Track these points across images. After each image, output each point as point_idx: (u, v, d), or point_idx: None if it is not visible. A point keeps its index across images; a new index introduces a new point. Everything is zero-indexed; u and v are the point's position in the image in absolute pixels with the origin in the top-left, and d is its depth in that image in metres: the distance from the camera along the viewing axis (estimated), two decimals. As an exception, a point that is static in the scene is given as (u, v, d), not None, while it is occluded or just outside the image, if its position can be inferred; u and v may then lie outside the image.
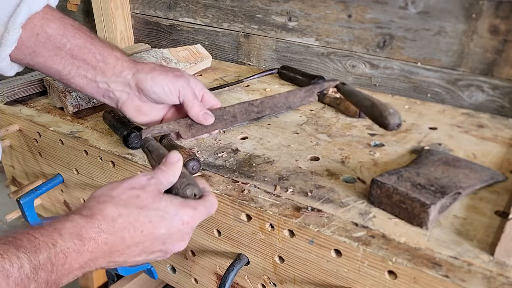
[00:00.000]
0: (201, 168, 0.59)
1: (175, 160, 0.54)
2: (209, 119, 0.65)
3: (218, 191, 0.64)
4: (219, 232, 0.68)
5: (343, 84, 0.75)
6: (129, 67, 0.65)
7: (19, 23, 0.61)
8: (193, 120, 0.63)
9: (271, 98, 0.67)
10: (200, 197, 0.54)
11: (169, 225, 0.51)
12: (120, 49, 0.68)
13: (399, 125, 0.64)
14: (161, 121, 0.68)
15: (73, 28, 0.65)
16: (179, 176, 0.53)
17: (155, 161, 0.56)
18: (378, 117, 0.65)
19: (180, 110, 0.69)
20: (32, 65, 0.65)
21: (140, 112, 0.67)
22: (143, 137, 0.60)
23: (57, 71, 0.65)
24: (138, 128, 0.75)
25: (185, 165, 0.65)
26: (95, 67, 0.65)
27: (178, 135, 0.63)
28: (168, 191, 0.53)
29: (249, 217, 0.62)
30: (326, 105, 0.90)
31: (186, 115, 0.67)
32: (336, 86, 0.76)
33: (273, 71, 1.08)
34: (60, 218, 0.47)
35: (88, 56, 0.64)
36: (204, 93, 0.68)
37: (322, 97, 0.91)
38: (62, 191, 0.94)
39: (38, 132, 0.89)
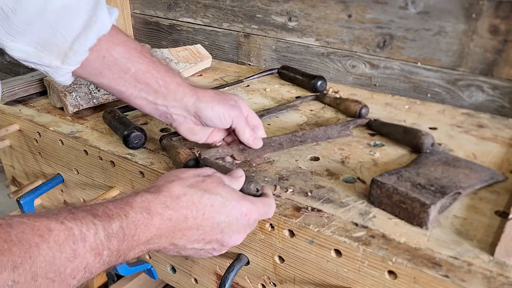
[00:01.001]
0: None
1: (239, 175, 0.58)
2: (259, 144, 0.70)
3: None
4: (219, 232, 0.68)
5: (375, 120, 0.80)
6: (190, 93, 0.67)
7: (88, 46, 0.61)
8: (244, 145, 0.69)
9: (312, 131, 0.75)
10: (260, 195, 0.58)
11: (228, 212, 0.53)
12: (180, 74, 0.70)
13: (433, 145, 0.70)
14: (207, 139, 0.72)
15: (137, 52, 0.66)
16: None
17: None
18: (412, 140, 0.71)
19: (226, 131, 0.72)
20: (95, 83, 0.67)
21: (193, 132, 0.70)
22: (202, 157, 0.64)
23: (119, 92, 0.66)
24: (138, 128, 0.75)
25: (185, 165, 0.66)
26: (157, 91, 0.66)
27: (233, 158, 0.68)
28: None
29: (249, 217, 0.62)
30: (326, 105, 0.90)
31: (230, 135, 0.72)
32: (367, 123, 0.80)
33: (273, 71, 1.08)
34: (130, 194, 0.50)
35: (151, 81, 0.66)
36: (248, 114, 0.71)
37: (322, 97, 0.91)
38: (62, 191, 0.94)
39: (38, 132, 0.89)
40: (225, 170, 0.60)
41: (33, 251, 0.38)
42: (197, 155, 0.67)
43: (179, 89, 0.67)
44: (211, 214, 0.52)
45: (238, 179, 0.58)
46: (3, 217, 0.39)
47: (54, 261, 0.39)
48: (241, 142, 0.70)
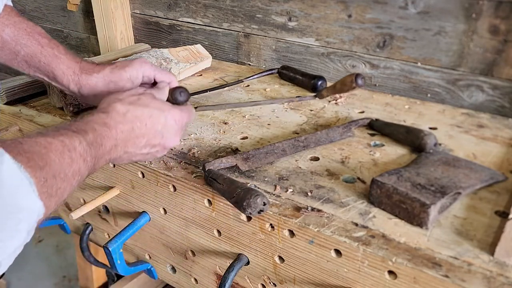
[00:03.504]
0: (189, 96, 0.73)
1: (163, 86, 0.71)
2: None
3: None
4: (219, 232, 0.68)
5: (376, 120, 0.80)
6: (73, 82, 0.73)
7: None
8: (249, 154, 0.70)
9: (314, 135, 0.75)
10: (185, 103, 0.71)
11: (165, 120, 0.65)
12: (67, 55, 0.74)
13: (435, 145, 0.69)
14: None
15: (26, 34, 0.70)
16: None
17: (222, 184, 0.60)
18: (415, 140, 0.71)
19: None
20: None
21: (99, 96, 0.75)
22: (206, 169, 0.65)
23: (18, 71, 0.73)
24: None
25: (173, 92, 0.72)
26: (48, 76, 0.73)
27: (237, 167, 0.68)
28: None
29: (249, 217, 0.62)
30: (327, 99, 0.90)
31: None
32: (369, 123, 0.80)
33: (273, 71, 1.08)
34: (83, 115, 0.59)
35: (40, 65, 0.71)
36: (155, 75, 0.76)
37: (320, 95, 0.91)
38: (62, 191, 0.94)
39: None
40: (231, 182, 0.60)
41: (46, 157, 0.47)
42: (201, 167, 0.68)
43: (64, 78, 0.72)
44: (151, 123, 0.63)
45: (164, 89, 0.71)
46: (4, 140, 0.47)
47: (61, 165, 0.49)
48: (245, 152, 0.70)
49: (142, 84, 0.76)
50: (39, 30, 0.74)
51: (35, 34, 0.72)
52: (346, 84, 0.81)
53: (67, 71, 0.72)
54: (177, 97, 0.71)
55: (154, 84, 0.76)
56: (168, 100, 0.71)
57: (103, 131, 0.58)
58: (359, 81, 0.79)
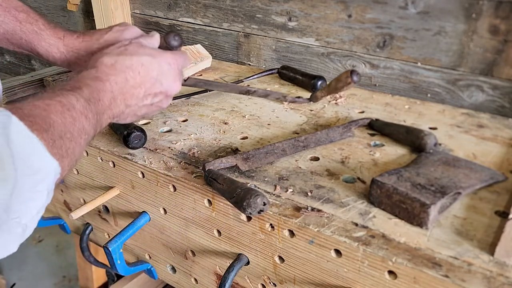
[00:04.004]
0: (182, 41, 0.71)
1: (153, 34, 0.70)
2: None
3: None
4: (219, 232, 0.68)
5: (377, 120, 0.80)
6: (60, 59, 0.72)
7: None
8: (249, 154, 0.69)
9: (314, 135, 0.75)
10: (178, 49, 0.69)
11: (158, 66, 0.63)
12: (49, 30, 0.72)
13: (435, 145, 0.69)
14: None
15: (2, 9, 0.68)
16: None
17: (222, 184, 0.60)
18: (415, 140, 0.71)
19: None
20: None
21: None
22: (206, 169, 0.65)
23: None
24: (138, 128, 0.75)
25: (167, 36, 0.70)
26: (32, 52, 0.71)
27: (237, 167, 0.68)
28: None
29: (249, 217, 0.62)
30: (324, 98, 0.90)
31: None
32: (369, 123, 0.80)
33: (273, 71, 1.08)
34: (74, 74, 0.59)
35: (21, 43, 0.69)
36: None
37: (314, 98, 0.89)
38: (62, 191, 0.94)
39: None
40: (231, 182, 0.60)
41: (48, 119, 0.46)
42: (201, 167, 0.67)
43: (49, 55, 0.71)
44: (145, 71, 0.61)
45: (153, 37, 0.69)
46: (5, 106, 0.45)
47: (65, 125, 0.48)
48: (245, 153, 0.70)
49: None
50: (16, 4, 0.70)
51: (11, 9, 0.69)
52: (341, 80, 0.78)
53: (50, 49, 0.71)
54: (170, 41, 0.69)
55: None
56: (160, 47, 0.69)
57: (97, 85, 0.56)
58: (355, 77, 0.75)
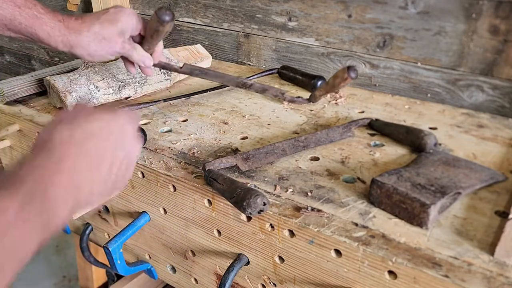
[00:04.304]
0: (173, 17, 0.71)
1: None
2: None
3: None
4: (219, 232, 0.68)
5: (377, 120, 0.80)
6: (62, 43, 0.71)
7: None
8: (249, 154, 0.70)
9: (314, 135, 0.75)
10: None
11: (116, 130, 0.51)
12: (48, 14, 0.71)
13: (435, 145, 0.69)
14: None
15: None
16: None
17: (222, 184, 0.60)
18: (415, 140, 0.70)
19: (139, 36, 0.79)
20: None
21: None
22: (206, 169, 0.64)
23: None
24: (138, 128, 0.75)
25: (158, 11, 0.69)
26: (31, 37, 0.70)
27: (237, 167, 0.68)
28: None
29: (249, 217, 0.62)
30: (325, 98, 0.89)
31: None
32: (369, 123, 0.80)
33: (273, 71, 1.08)
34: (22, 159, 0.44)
35: (20, 28, 0.68)
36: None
37: (313, 98, 0.88)
38: (62, 191, 0.94)
39: (38, 132, 0.89)
40: (231, 182, 0.60)
41: None
42: (201, 167, 0.67)
43: (51, 39, 0.69)
44: (103, 141, 0.49)
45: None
46: None
47: None
48: (245, 153, 0.70)
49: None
50: None
51: None
52: (339, 76, 0.76)
53: (52, 32, 0.70)
54: (162, 15, 0.69)
55: (139, 35, 0.77)
56: (151, 26, 0.71)
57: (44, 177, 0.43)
58: (352, 73, 0.73)
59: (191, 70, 0.88)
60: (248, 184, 0.65)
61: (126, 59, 0.80)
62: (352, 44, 1.03)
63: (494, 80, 0.87)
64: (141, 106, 0.91)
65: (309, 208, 0.59)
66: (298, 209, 0.59)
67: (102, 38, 0.71)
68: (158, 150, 0.75)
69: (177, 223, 0.73)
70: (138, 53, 0.76)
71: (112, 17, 0.71)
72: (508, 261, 0.48)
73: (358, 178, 0.65)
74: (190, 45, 1.15)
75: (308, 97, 0.91)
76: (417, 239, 0.53)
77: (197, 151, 0.74)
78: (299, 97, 0.93)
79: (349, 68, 0.76)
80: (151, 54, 0.79)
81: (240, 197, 0.56)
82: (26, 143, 0.94)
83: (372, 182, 0.58)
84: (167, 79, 1.01)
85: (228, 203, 0.62)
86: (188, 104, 0.93)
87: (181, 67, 0.85)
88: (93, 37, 0.70)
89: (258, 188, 0.64)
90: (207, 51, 1.15)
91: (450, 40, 0.89)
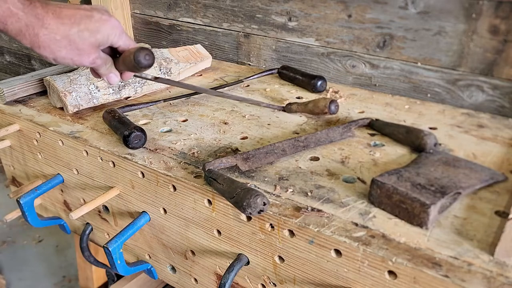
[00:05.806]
0: (153, 62, 0.66)
1: None
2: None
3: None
4: (219, 232, 0.68)
5: (377, 120, 0.80)
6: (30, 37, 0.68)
7: None
8: (249, 154, 0.69)
9: (314, 135, 0.75)
10: None
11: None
12: (26, 8, 0.67)
13: (435, 145, 0.69)
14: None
15: None
16: None
17: (222, 184, 0.60)
18: (415, 140, 0.71)
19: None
20: None
21: None
22: (206, 169, 0.64)
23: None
24: (138, 128, 0.75)
25: (137, 52, 0.64)
26: (6, 33, 0.67)
27: (237, 167, 0.68)
28: None
29: (249, 217, 0.62)
30: (296, 113, 0.87)
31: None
32: (369, 123, 0.80)
33: (273, 71, 1.08)
34: None
35: None
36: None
37: (289, 109, 0.87)
38: (62, 191, 0.94)
39: (38, 132, 0.89)
40: (231, 182, 0.60)
41: None
42: (201, 167, 0.67)
43: (24, 40, 0.66)
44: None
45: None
46: None
47: None
48: (245, 153, 0.70)
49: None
50: None
51: None
52: (319, 107, 0.82)
53: (25, 28, 0.65)
54: (140, 59, 0.62)
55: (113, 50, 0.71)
56: (125, 60, 0.65)
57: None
58: (332, 108, 0.80)
59: (167, 82, 0.82)
60: (248, 184, 0.65)
61: None
62: (352, 44, 1.03)
63: (494, 80, 0.87)
64: (141, 106, 0.91)
65: (309, 208, 0.59)
66: (298, 209, 0.59)
67: (76, 48, 0.66)
68: (158, 150, 0.75)
69: (177, 223, 0.73)
70: (107, 69, 0.72)
71: (93, 26, 0.66)
72: (508, 261, 0.48)
73: (358, 178, 0.65)
74: (190, 45, 1.16)
75: (283, 106, 0.89)
76: (417, 239, 0.53)
77: (197, 151, 0.74)
78: (273, 104, 0.90)
79: (331, 102, 0.80)
80: (121, 74, 0.74)
81: (240, 197, 0.56)
82: (26, 143, 0.94)
83: (372, 182, 0.59)
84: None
85: (228, 203, 0.62)
86: (188, 104, 0.93)
87: (156, 78, 0.78)
88: (67, 43, 0.66)
89: (258, 188, 0.64)
90: (207, 51, 1.16)
91: (450, 40, 0.89)
